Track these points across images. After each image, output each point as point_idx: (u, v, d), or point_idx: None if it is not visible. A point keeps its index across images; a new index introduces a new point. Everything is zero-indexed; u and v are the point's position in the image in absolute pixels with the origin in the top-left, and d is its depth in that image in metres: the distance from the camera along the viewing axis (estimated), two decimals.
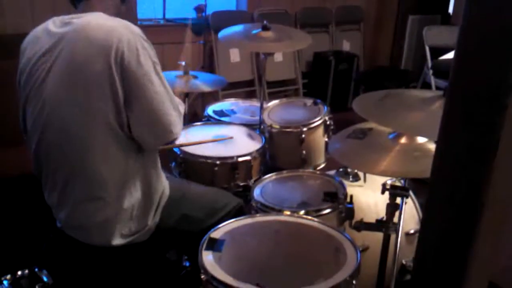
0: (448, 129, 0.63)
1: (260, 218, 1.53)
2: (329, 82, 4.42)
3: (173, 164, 2.04)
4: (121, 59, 1.33)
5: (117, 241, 1.47)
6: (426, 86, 4.06)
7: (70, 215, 1.49)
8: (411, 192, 1.82)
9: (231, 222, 1.47)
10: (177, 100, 1.50)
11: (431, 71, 3.95)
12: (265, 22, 2.26)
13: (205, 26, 3.80)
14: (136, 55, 1.34)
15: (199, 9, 3.85)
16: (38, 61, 1.43)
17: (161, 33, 3.72)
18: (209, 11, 3.86)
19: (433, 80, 3.97)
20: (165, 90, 1.41)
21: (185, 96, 2.42)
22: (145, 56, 1.36)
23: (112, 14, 1.47)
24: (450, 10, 4.87)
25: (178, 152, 1.97)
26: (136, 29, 1.40)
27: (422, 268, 0.69)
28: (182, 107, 1.54)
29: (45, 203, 1.55)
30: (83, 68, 1.34)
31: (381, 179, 1.83)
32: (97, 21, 1.40)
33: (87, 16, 1.43)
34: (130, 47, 1.34)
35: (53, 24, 1.45)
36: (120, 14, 1.51)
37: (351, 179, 1.95)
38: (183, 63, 2.34)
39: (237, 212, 1.69)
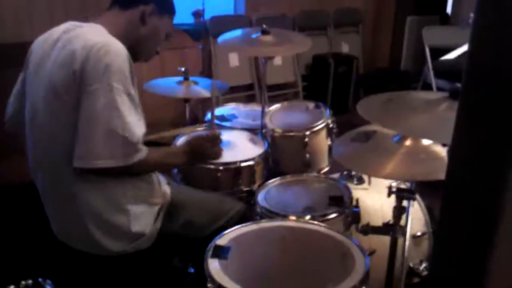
0: (462, 132, 0.62)
1: (265, 224, 1.51)
2: (329, 84, 4.40)
3: (175, 170, 2.02)
4: (82, 70, 1.31)
5: (116, 249, 1.46)
6: (427, 86, 4.05)
7: (60, 227, 1.49)
8: (417, 194, 1.80)
9: (236, 229, 1.45)
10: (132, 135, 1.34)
11: (432, 72, 3.93)
12: (264, 26, 2.25)
13: (204, 31, 3.79)
14: (95, 70, 1.30)
15: (197, 14, 3.84)
16: (36, 65, 1.45)
17: None
18: (207, 16, 3.85)
19: (434, 81, 3.96)
20: (107, 118, 1.29)
21: (184, 101, 2.41)
22: (101, 74, 1.30)
23: (122, 28, 1.46)
24: (448, 10, 4.86)
25: None
26: (114, 48, 1.34)
27: (438, 276, 0.68)
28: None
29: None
30: (57, 79, 1.35)
31: (386, 182, 1.81)
32: (81, 35, 1.38)
33: (84, 27, 1.43)
34: (94, 61, 1.30)
35: (59, 29, 1.46)
36: (134, 33, 1.49)
37: (355, 182, 1.94)
38: (183, 69, 2.33)
39: (240, 217, 1.68)
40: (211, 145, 1.67)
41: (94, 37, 1.37)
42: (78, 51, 1.33)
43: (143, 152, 1.37)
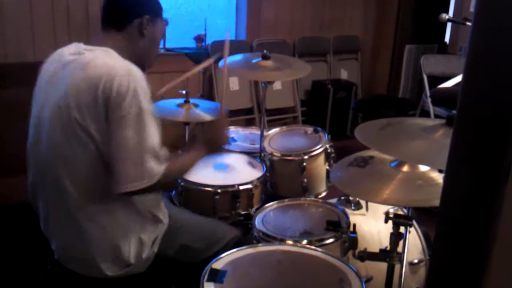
0: (456, 159, 0.63)
1: (262, 248, 1.50)
2: (328, 110, 4.44)
3: (173, 192, 2.02)
4: (107, 97, 1.32)
5: (111, 272, 1.44)
6: (425, 114, 4.08)
7: (59, 247, 1.47)
8: (414, 221, 1.80)
9: (232, 252, 1.45)
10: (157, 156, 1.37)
11: (430, 99, 3.97)
12: (264, 51, 2.28)
13: (205, 55, 3.84)
14: (122, 96, 1.32)
15: (199, 38, 3.90)
16: (44, 85, 1.45)
17: (161, 62, 3.74)
18: (209, 40, 3.90)
19: (431, 108, 4.00)
20: (138, 142, 1.32)
21: (184, 124, 2.42)
22: (130, 100, 1.32)
23: (125, 48, 1.46)
24: (447, 39, 4.94)
25: (179, 180, 1.96)
26: (135, 72, 1.36)
27: None
28: (156, 166, 1.36)
29: (43, 233, 1.53)
30: (73, 101, 1.34)
31: (383, 207, 1.81)
32: (99, 59, 1.38)
33: (97, 51, 1.42)
34: (120, 86, 1.32)
35: (68, 50, 1.46)
36: (136, 48, 1.49)
37: (353, 207, 1.93)
38: (184, 91, 2.35)
39: (235, 244, 1.67)
40: (222, 130, 1.70)
41: (115, 63, 1.37)
42: (103, 78, 1.32)
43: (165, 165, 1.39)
